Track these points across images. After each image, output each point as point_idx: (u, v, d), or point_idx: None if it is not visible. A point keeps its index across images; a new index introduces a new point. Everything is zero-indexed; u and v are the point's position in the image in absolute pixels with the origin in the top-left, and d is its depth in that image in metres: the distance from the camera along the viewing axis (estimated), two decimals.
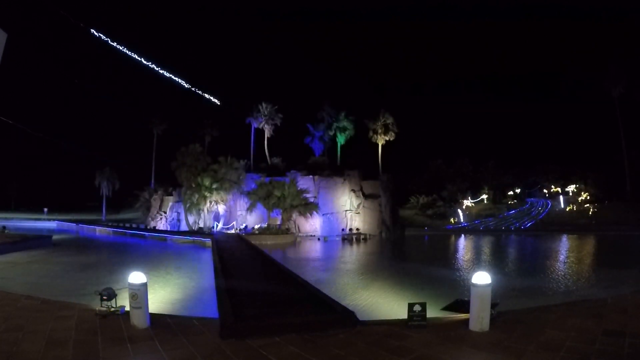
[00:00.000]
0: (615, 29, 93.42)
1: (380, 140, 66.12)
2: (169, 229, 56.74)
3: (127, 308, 8.84)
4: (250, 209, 51.38)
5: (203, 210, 53.65)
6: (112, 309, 9.28)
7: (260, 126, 66.02)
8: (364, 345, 7.49)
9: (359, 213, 55.26)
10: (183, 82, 70.01)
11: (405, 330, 8.27)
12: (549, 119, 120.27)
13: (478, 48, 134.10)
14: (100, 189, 77.39)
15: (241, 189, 53.61)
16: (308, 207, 50.44)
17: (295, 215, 50.66)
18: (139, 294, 8.41)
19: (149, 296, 8.83)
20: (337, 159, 66.03)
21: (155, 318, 8.97)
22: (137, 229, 54.28)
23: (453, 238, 52.36)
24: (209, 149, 66.64)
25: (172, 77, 68.11)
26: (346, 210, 55.22)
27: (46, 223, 68.24)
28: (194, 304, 14.78)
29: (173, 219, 59.45)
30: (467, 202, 73.90)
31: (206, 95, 71.86)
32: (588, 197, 72.90)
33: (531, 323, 8.44)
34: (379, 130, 65.58)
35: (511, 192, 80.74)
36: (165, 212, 61.78)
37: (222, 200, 54.23)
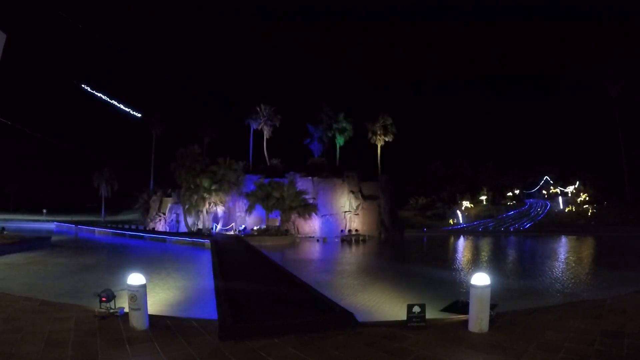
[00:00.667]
0: (615, 29, 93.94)
1: (379, 142, 66.17)
2: (168, 230, 56.69)
3: (126, 309, 8.84)
4: (249, 210, 51.35)
5: (202, 211, 53.61)
6: (111, 311, 9.27)
7: (259, 127, 66.00)
8: (363, 346, 7.49)
9: (358, 214, 55.25)
10: (182, 83, 70.04)
11: (404, 331, 8.28)
12: (548, 120, 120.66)
13: (478, 48, 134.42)
14: (99, 190, 77.35)
15: (240, 190, 53.58)
16: (307, 209, 50.43)
17: (294, 217, 50.66)
18: (138, 296, 8.41)
19: (148, 298, 8.83)
20: (336, 160, 66.05)
21: (154, 319, 8.96)
22: (136, 230, 54.21)
23: (452, 239, 52.38)
24: (207, 150, 66.65)
25: (171, 77, 68.12)
26: (345, 212, 55.23)
27: (45, 224, 68.17)
28: (193, 306, 14.75)
29: (172, 220, 59.39)
30: (466, 203, 73.95)
31: (205, 96, 71.92)
32: (587, 198, 73.00)
33: (530, 324, 8.44)
34: (378, 132, 65.64)
35: (510, 193, 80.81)
36: (164, 214, 61.72)
37: (221, 202, 54.20)
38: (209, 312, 10.75)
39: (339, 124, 65.28)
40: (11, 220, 65.23)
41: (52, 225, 66.62)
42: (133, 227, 57.53)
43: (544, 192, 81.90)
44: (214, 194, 52.73)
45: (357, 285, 20.32)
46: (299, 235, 51.19)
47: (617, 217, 60.18)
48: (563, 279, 21.46)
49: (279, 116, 66.29)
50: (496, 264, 28.26)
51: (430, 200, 72.43)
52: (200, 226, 53.19)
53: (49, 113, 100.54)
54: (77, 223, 64.04)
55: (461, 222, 68.15)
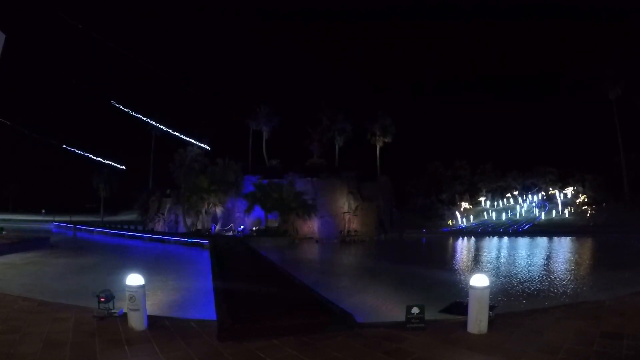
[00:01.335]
0: (614, 29, 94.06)
1: (379, 142, 66.22)
2: (166, 231, 56.64)
3: (125, 310, 8.83)
4: (248, 211, 51.28)
5: (201, 212, 53.59)
6: (110, 311, 9.26)
7: (259, 128, 66.02)
8: (362, 347, 7.49)
9: (357, 215, 55.23)
10: (182, 83, 70.08)
11: (403, 332, 8.28)
12: (547, 121, 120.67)
13: (478, 48, 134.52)
14: (98, 190, 77.27)
15: (239, 191, 53.55)
16: (306, 209, 50.38)
17: (293, 218, 50.61)
18: (137, 296, 8.40)
19: (147, 298, 8.82)
20: (335, 161, 66.08)
21: (153, 320, 8.96)
22: (135, 230, 54.16)
23: (451, 240, 52.40)
24: (207, 151, 66.66)
25: (171, 77, 68.15)
26: (344, 213, 55.21)
27: (44, 224, 68.09)
28: (191, 306, 14.72)
29: (171, 220, 59.33)
30: (465, 205, 73.99)
31: (204, 97, 71.91)
32: (586, 200, 73.05)
33: (529, 325, 8.45)
34: (377, 132, 65.65)
35: (509, 195, 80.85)
36: (163, 214, 61.65)
37: (220, 202, 54.16)
38: (208, 312, 10.74)
39: (338, 124, 65.30)
40: (10, 220, 65.15)
41: (50, 226, 66.53)
42: (132, 227, 57.47)
43: (543, 193, 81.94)
44: (212, 194, 52.70)
45: (356, 286, 20.31)
46: (297, 236, 51.15)
47: (616, 219, 60.20)
48: (562, 280, 21.46)
49: (278, 117, 66.37)
50: (495, 265, 28.28)
51: (430, 202, 72.43)
52: (199, 227, 53.17)
53: (49, 113, 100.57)
54: (75, 223, 63.94)
55: (460, 223, 68.17)
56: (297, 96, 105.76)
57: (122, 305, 9.21)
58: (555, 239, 51.47)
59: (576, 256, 34.81)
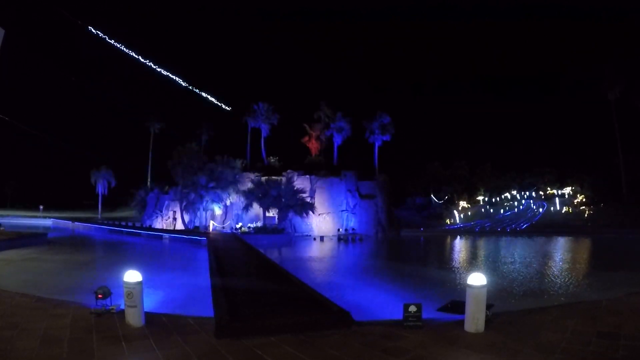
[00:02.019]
0: (614, 30, 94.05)
1: (377, 141, 66.18)
2: (164, 228, 56.61)
3: (123, 306, 8.82)
4: (246, 208, 51.32)
5: (199, 209, 53.57)
6: (108, 308, 9.25)
7: (257, 126, 65.97)
8: (360, 345, 7.50)
9: (355, 213, 55.31)
10: (180, 81, 69.95)
11: (400, 330, 8.28)
12: (546, 121, 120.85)
13: (477, 48, 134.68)
14: (96, 187, 77.16)
15: (237, 188, 53.56)
16: (304, 207, 50.41)
17: (291, 215, 50.63)
18: (134, 293, 8.39)
19: (145, 295, 8.81)
20: (334, 159, 66.05)
21: (150, 317, 8.95)
22: (133, 227, 54.13)
23: (449, 239, 52.46)
24: (205, 148, 66.59)
25: (170, 75, 68.03)
26: (342, 210, 55.27)
27: (42, 221, 68.01)
28: (189, 303, 14.71)
29: (169, 217, 59.32)
30: (463, 204, 74.09)
31: (203, 94, 71.79)
32: (584, 200, 73.22)
33: (526, 324, 8.46)
34: (376, 131, 65.63)
35: (507, 194, 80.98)
36: (161, 211, 61.64)
37: (219, 200, 54.16)
38: (206, 309, 10.73)
39: (336, 122, 65.26)
40: (8, 216, 65.07)
41: (48, 222, 66.47)
42: (130, 224, 57.46)
43: (541, 193, 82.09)
44: (211, 191, 52.69)
45: (354, 284, 20.34)
46: (295, 234, 51.20)
47: (614, 219, 60.34)
48: (559, 280, 21.50)
49: (277, 115, 66.29)
50: (492, 264, 28.32)
51: (428, 200, 72.52)
52: (197, 224, 53.16)
53: (47, 110, 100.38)
54: (73, 220, 63.91)
55: (458, 222, 68.26)
56: (297, 94, 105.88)
57: (119, 302, 9.21)
58: (553, 238, 51.55)
59: (573, 256, 34.89)
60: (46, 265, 24.05)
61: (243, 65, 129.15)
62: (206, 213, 54.67)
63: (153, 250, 36.04)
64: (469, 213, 72.17)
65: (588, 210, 68.74)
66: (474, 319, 8.08)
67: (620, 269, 24.42)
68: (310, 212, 51.46)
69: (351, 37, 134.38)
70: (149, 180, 74.31)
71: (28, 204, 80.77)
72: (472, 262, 30.14)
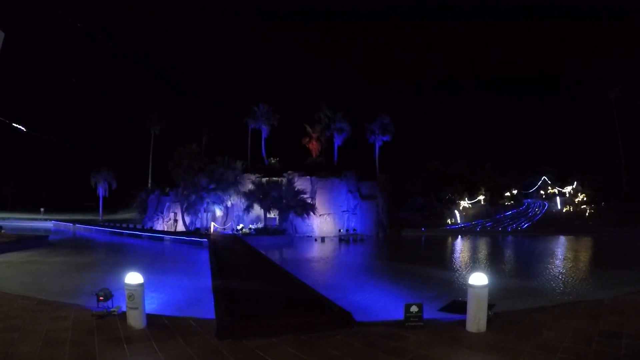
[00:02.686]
0: (614, 30, 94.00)
1: (378, 141, 66.15)
2: (165, 230, 56.62)
3: (124, 308, 8.83)
4: (247, 209, 51.31)
5: (200, 210, 53.57)
6: (109, 310, 9.26)
7: (258, 127, 65.97)
8: (361, 346, 7.50)
9: (355, 214, 55.30)
10: (181, 82, 70.01)
11: (402, 331, 8.28)
12: (547, 120, 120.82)
13: (477, 48, 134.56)
14: (97, 189, 77.20)
15: (238, 189, 53.54)
16: (305, 208, 50.38)
17: (292, 216, 50.62)
18: (136, 295, 8.40)
19: (146, 297, 8.82)
20: (335, 159, 66.03)
21: (151, 318, 8.96)
22: (134, 229, 54.12)
23: (450, 239, 52.41)
24: (206, 149, 66.58)
25: (170, 76, 68.08)
26: (343, 211, 55.26)
27: (43, 223, 68.02)
28: (191, 305, 14.73)
29: (170, 219, 59.33)
30: (464, 203, 74.01)
31: (204, 95, 71.88)
32: (585, 199, 73.11)
33: (528, 324, 8.46)
34: (377, 131, 65.60)
35: (508, 193, 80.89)
36: (162, 213, 61.64)
37: (219, 201, 54.16)
38: (207, 311, 10.75)
39: (337, 123, 65.24)
40: (9, 218, 65.08)
41: (49, 224, 66.48)
42: (131, 226, 57.44)
43: (542, 192, 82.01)
44: (212, 193, 52.68)
45: (355, 285, 20.35)
46: (296, 235, 51.19)
47: (615, 218, 60.26)
48: (560, 279, 21.50)
49: (277, 115, 66.27)
50: (494, 264, 28.30)
51: (429, 200, 72.45)
52: (198, 225, 53.17)
53: (48, 112, 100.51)
54: (74, 222, 63.90)
55: (459, 222, 68.20)
56: (297, 95, 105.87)
57: (121, 304, 9.21)
58: (554, 237, 51.50)
59: (574, 255, 34.84)
60: (47, 267, 24.06)
61: (243, 66, 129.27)
62: (207, 214, 54.65)
63: (154, 252, 36.06)
64: (470, 213, 72.05)
65: (589, 209, 68.65)
66: (476, 319, 8.08)
67: (622, 267, 24.40)
68: (311, 213, 51.44)
69: (351, 37, 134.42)
70: (149, 182, 74.31)
71: (29, 207, 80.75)
72: (474, 262, 30.11)
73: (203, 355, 6.99)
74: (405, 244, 48.40)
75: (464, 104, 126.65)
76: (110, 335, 7.90)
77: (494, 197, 78.78)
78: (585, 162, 77.40)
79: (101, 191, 77.29)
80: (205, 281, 17.03)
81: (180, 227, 54.97)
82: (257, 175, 55.76)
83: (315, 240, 49.31)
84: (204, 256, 28.09)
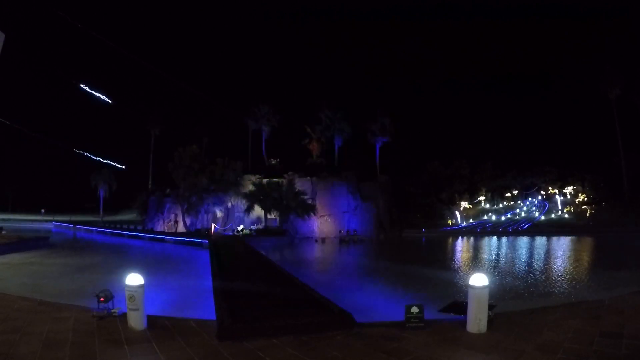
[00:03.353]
0: (614, 29, 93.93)
1: (378, 142, 66.20)
2: (166, 230, 56.63)
3: (125, 310, 8.83)
4: (247, 210, 51.33)
5: (200, 211, 53.58)
6: (110, 311, 9.26)
7: (258, 127, 66.01)
8: (361, 346, 7.49)
9: (356, 215, 55.29)
10: (181, 83, 70.02)
11: (402, 332, 8.27)
12: (547, 121, 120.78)
13: (478, 49, 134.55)
14: (98, 190, 77.25)
15: (239, 190, 53.54)
16: (305, 209, 50.41)
17: (292, 217, 50.64)
18: (136, 296, 8.40)
19: (146, 298, 8.82)
20: (335, 160, 66.07)
21: (152, 320, 8.95)
22: (135, 230, 54.14)
23: (450, 240, 52.40)
24: (206, 150, 66.61)
25: (171, 78, 68.13)
26: (343, 212, 55.25)
27: (43, 224, 68.07)
28: (191, 306, 14.71)
29: (170, 220, 59.35)
30: (465, 204, 74.00)
31: (204, 96, 71.90)
32: (585, 199, 73.08)
33: (528, 325, 8.45)
34: (377, 132, 65.66)
35: (509, 194, 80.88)
36: (162, 214, 61.66)
37: (220, 202, 54.17)
38: (208, 312, 10.74)
39: (337, 124, 65.30)
40: (9, 220, 65.12)
41: (50, 225, 66.53)
42: (131, 227, 57.47)
43: (543, 192, 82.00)
44: (212, 194, 52.71)
45: (355, 286, 20.34)
46: (297, 236, 51.20)
47: (615, 218, 60.23)
48: (561, 280, 21.48)
49: (278, 116, 66.34)
50: (494, 265, 28.28)
51: (429, 201, 72.45)
52: (199, 226, 53.18)
53: (48, 113, 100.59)
54: (75, 223, 63.97)
55: (460, 222, 68.19)
56: (297, 96, 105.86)
57: (121, 305, 9.21)
58: (555, 238, 51.47)
59: (575, 255, 34.81)
60: (48, 268, 24.06)
61: (243, 66, 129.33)
62: (208, 215, 54.68)
63: (155, 254, 36.06)
64: (471, 213, 72.09)
65: (590, 210, 68.62)
66: (476, 320, 8.07)
67: (623, 268, 24.37)
68: (312, 214, 51.48)
69: (351, 37, 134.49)
70: (150, 182, 74.34)
71: (30, 208, 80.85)
72: (474, 263, 30.09)
73: (203, 356, 6.98)
74: (405, 244, 48.38)
75: (464, 104, 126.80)
76: (110, 337, 7.90)
77: (495, 198, 78.81)
78: (585, 162, 77.37)
79: (102, 192, 77.36)
80: (206, 282, 17.03)
81: (181, 228, 54.99)
82: (257, 176, 55.77)
83: (316, 241, 49.30)
84: (205, 257, 28.10)
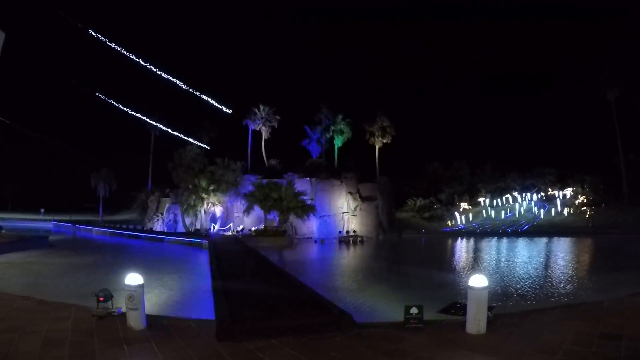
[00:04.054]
0: (613, 30, 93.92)
1: (378, 143, 66.24)
2: (165, 230, 56.61)
3: (124, 309, 8.83)
4: (247, 210, 51.28)
5: (200, 211, 53.59)
6: (109, 311, 9.26)
7: (258, 128, 66.03)
8: (361, 347, 7.50)
9: (356, 215, 55.27)
10: (180, 83, 69.90)
11: (402, 332, 8.28)
12: (546, 122, 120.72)
13: (478, 50, 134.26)
14: (97, 190, 77.22)
15: (238, 190, 53.52)
16: (305, 209, 50.37)
17: (292, 218, 50.62)
18: (136, 295, 8.41)
19: (146, 298, 8.82)
20: (335, 161, 66.09)
21: (151, 319, 8.96)
22: (134, 230, 54.12)
23: (450, 241, 52.39)
24: (206, 151, 66.58)
25: (170, 77, 68.03)
26: (343, 213, 55.25)
27: (43, 223, 68.04)
28: (190, 306, 14.73)
29: (170, 220, 59.31)
30: (464, 205, 73.97)
31: (204, 97, 71.81)
32: (585, 200, 73.03)
33: (528, 326, 8.46)
34: (377, 133, 65.69)
35: (508, 195, 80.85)
36: (162, 214, 61.63)
37: (219, 202, 54.18)
38: (207, 312, 10.74)
39: (337, 125, 65.34)
40: (9, 219, 65.09)
41: (49, 225, 66.50)
42: (131, 226, 57.46)
43: (542, 194, 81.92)
44: (212, 194, 52.72)
45: (355, 286, 20.33)
46: (296, 236, 51.19)
47: (615, 220, 60.24)
48: (560, 281, 21.48)
49: (278, 117, 66.35)
50: (494, 266, 28.28)
51: (429, 202, 72.43)
52: (198, 226, 53.17)
53: (48, 112, 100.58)
54: (75, 222, 63.94)
55: (459, 223, 68.17)
56: (297, 97, 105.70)
57: (121, 305, 9.21)
58: (555, 239, 51.48)
59: (575, 257, 34.81)
60: (47, 268, 24.06)
61: (243, 66, 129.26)
62: (207, 216, 54.67)
63: (154, 253, 36.03)
64: (470, 214, 72.02)
65: (589, 211, 68.56)
66: (476, 321, 8.08)
67: (622, 269, 24.40)
68: (311, 215, 51.45)
69: (351, 37, 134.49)
70: (149, 182, 74.31)
71: (29, 207, 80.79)
72: (474, 264, 30.09)
73: (203, 357, 6.99)
74: (405, 245, 48.38)
75: (463, 106, 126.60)
76: (110, 336, 7.90)
77: (494, 199, 78.77)
78: (585, 163, 77.32)
79: (101, 192, 77.32)
80: (205, 282, 17.04)
81: (180, 228, 54.95)
82: (257, 176, 55.74)
83: (315, 241, 49.29)
84: (204, 257, 28.10)
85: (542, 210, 74.05)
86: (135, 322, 8.45)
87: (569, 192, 76.97)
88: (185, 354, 7.11)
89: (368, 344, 7.69)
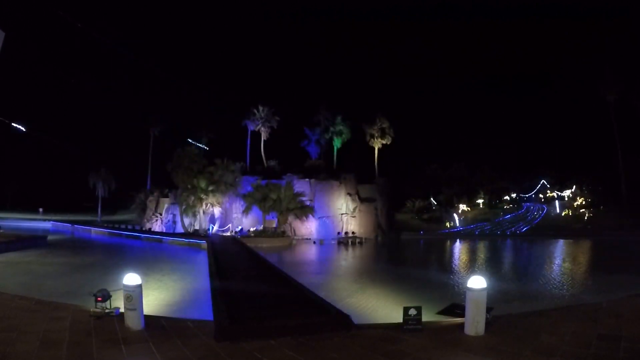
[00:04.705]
0: (613, 32, 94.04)
1: (377, 144, 66.23)
2: (164, 231, 56.54)
3: (122, 309, 8.81)
4: (246, 211, 51.25)
5: (199, 212, 53.49)
6: (107, 311, 9.24)
7: (257, 129, 65.97)
8: (359, 348, 7.49)
9: (354, 216, 55.26)
10: (180, 83, 70.01)
11: (400, 334, 8.27)
12: (546, 124, 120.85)
13: (477, 51, 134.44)
14: (96, 189, 77.08)
15: (237, 191, 53.47)
16: (304, 210, 50.36)
17: (291, 218, 50.59)
18: (134, 296, 8.39)
19: (144, 298, 8.81)
20: (334, 162, 66.08)
21: (149, 320, 8.94)
22: (133, 230, 54.06)
23: (449, 242, 52.42)
24: (205, 151, 66.51)
25: (170, 78, 68.12)
26: (342, 214, 55.22)
27: (41, 223, 67.92)
28: (189, 306, 14.72)
29: (169, 220, 59.22)
30: (463, 207, 74.05)
31: (203, 97, 71.89)
32: (584, 202, 73.19)
33: (526, 327, 8.46)
34: (376, 134, 65.68)
35: (507, 197, 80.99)
36: (160, 214, 61.54)
37: (218, 203, 54.08)
38: (205, 313, 10.74)
39: (336, 126, 65.34)
40: (7, 218, 64.98)
41: (48, 225, 66.38)
42: (130, 227, 57.39)
43: (541, 195, 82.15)
44: (211, 194, 52.63)
45: (354, 287, 20.33)
46: (295, 237, 51.13)
47: (614, 222, 60.34)
48: (559, 283, 21.50)
49: (277, 118, 66.30)
50: (492, 267, 28.29)
51: (427, 203, 72.55)
52: (197, 227, 53.08)
53: (47, 112, 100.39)
54: (73, 222, 63.83)
55: (458, 225, 68.23)
56: (296, 97, 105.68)
57: (119, 305, 9.20)
58: (553, 241, 51.53)
59: (573, 258, 34.85)
60: (46, 267, 24.03)
61: (242, 67, 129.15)
62: (206, 216, 54.59)
63: (153, 254, 36.00)
64: (469, 216, 72.14)
65: (588, 213, 68.71)
66: (474, 322, 8.07)
67: (621, 271, 24.42)
68: (310, 216, 51.42)
69: (351, 37, 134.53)
70: (148, 183, 74.20)
71: (28, 207, 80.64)
72: (472, 265, 30.11)
73: (201, 357, 6.97)
74: (404, 247, 48.38)
75: (463, 107, 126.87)
76: (107, 336, 7.88)
77: (493, 201, 78.91)
78: (584, 165, 77.52)
79: (100, 192, 77.15)
80: (204, 283, 17.02)
81: (179, 229, 54.87)
82: (256, 177, 55.68)
83: (314, 242, 49.28)
84: (203, 258, 28.08)
85: (540, 212, 74.23)
86: (134, 322, 8.44)
87: (567, 194, 77.18)
88: (184, 354, 7.09)
89: (366, 345, 7.68)
